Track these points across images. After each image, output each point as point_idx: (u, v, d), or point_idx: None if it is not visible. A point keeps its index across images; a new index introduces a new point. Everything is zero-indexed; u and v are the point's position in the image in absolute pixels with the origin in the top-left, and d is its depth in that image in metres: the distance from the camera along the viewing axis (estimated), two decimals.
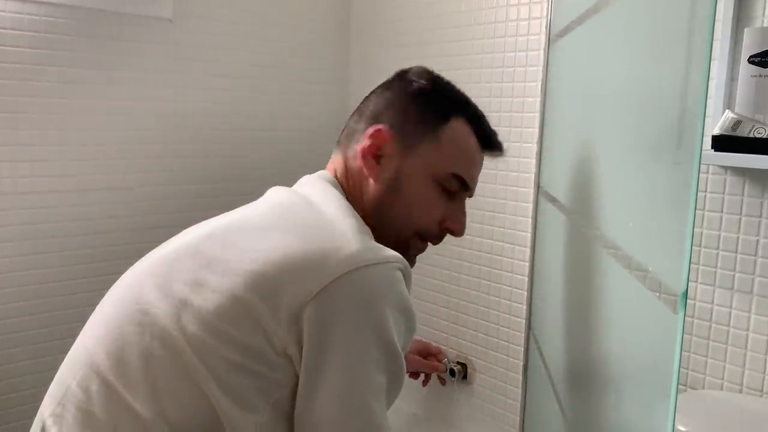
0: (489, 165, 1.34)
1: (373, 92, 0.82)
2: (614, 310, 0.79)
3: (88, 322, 0.73)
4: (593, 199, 0.88)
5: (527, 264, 1.27)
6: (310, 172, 0.81)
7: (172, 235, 0.77)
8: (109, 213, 1.33)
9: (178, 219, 1.42)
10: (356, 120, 0.80)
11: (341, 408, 0.61)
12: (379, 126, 0.76)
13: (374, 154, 0.76)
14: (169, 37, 1.36)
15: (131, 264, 0.75)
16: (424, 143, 0.77)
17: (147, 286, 0.68)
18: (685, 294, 0.47)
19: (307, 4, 1.58)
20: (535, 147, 1.24)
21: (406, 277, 0.66)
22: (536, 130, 1.24)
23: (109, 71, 1.29)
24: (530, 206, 1.26)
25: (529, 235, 1.27)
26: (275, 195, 0.77)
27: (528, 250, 1.27)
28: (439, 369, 1.23)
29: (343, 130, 0.82)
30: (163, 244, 0.76)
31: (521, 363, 1.31)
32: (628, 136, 0.77)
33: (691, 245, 0.48)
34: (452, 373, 1.45)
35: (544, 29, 1.22)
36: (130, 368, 0.63)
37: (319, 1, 1.60)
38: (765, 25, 0.94)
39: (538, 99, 1.23)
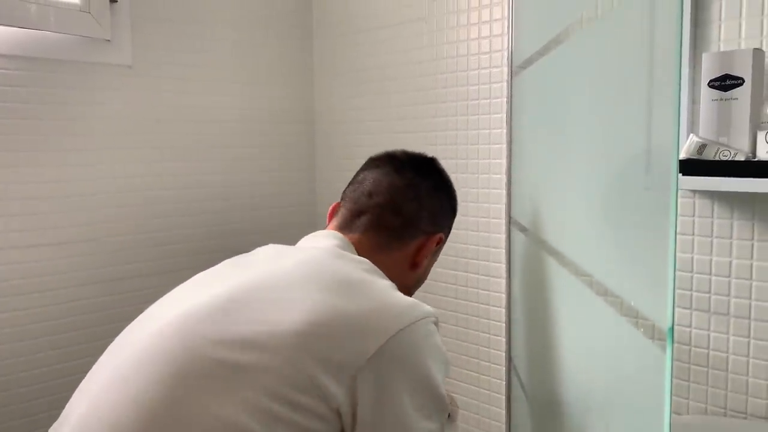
0: (459, 197, 1.34)
1: (413, 169, 0.90)
2: (594, 340, 0.78)
3: (91, 386, 0.69)
4: (565, 228, 0.88)
5: (504, 296, 1.26)
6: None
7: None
8: (58, 268, 1.29)
9: (142, 268, 1.38)
10: (412, 208, 0.87)
11: None
12: (441, 235, 0.91)
13: (426, 256, 0.90)
14: (128, 84, 1.33)
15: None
16: (444, 241, 0.94)
17: (177, 346, 0.66)
18: (672, 330, 0.46)
19: (270, 48, 1.58)
20: (504, 178, 1.24)
21: (438, 326, 0.74)
22: (504, 161, 1.24)
23: (65, 121, 1.26)
24: (503, 237, 1.26)
25: (503, 267, 1.26)
26: (302, 252, 0.79)
27: (503, 282, 1.26)
28: None
29: (383, 203, 0.87)
30: (176, 298, 0.75)
31: (503, 397, 1.29)
32: (596, 163, 0.77)
33: (674, 275, 0.47)
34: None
35: (506, 61, 1.23)
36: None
37: (279, 41, 1.60)
38: (721, 49, 0.96)
39: (505, 130, 1.23)
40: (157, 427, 0.62)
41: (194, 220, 1.46)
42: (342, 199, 0.91)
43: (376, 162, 0.92)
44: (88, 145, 1.29)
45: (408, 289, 0.89)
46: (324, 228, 0.90)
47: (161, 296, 0.79)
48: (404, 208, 0.86)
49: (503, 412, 1.29)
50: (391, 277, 0.79)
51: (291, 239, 0.89)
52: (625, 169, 0.69)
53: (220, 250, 1.37)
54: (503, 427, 1.30)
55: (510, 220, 1.20)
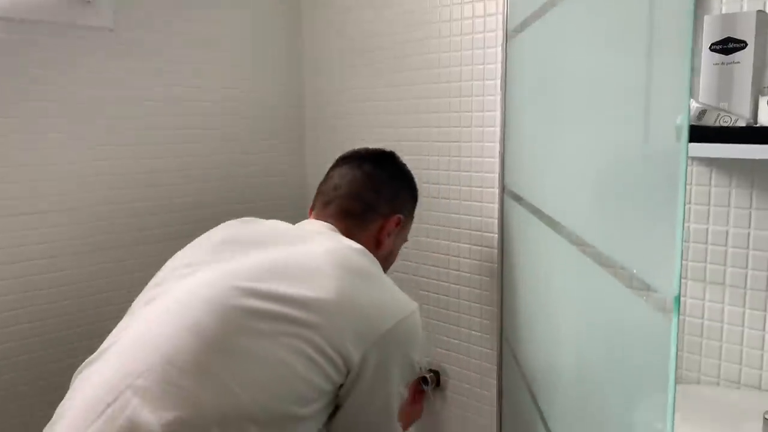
0: (452, 166, 1.32)
1: (371, 162, 1.07)
2: (595, 311, 0.76)
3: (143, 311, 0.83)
4: (563, 197, 0.86)
5: (496, 266, 1.24)
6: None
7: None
8: (51, 237, 1.25)
9: (120, 239, 1.35)
10: (370, 195, 1.04)
11: (379, 415, 0.89)
12: (399, 216, 1.07)
13: (387, 234, 1.06)
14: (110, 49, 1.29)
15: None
16: (409, 222, 1.13)
17: (223, 298, 0.79)
18: (678, 299, 0.44)
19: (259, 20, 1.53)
20: (497, 146, 1.21)
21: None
22: (498, 129, 1.21)
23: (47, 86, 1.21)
24: (496, 206, 1.23)
25: (496, 237, 1.24)
26: (326, 241, 0.92)
27: (496, 252, 1.24)
28: (415, 380, 1.33)
29: (345, 193, 1.04)
30: (203, 260, 0.88)
31: (495, 367, 1.28)
32: (595, 130, 0.74)
33: (682, 243, 0.45)
34: (425, 381, 1.41)
35: (500, 25, 1.19)
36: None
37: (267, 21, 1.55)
38: (723, 11, 0.93)
39: (499, 97, 1.20)
40: (214, 351, 0.74)
41: (177, 194, 1.42)
42: (316, 194, 1.08)
43: (342, 159, 1.10)
44: (65, 111, 1.24)
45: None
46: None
47: (146, 268, 0.86)
48: (363, 195, 1.03)
49: (495, 382, 1.29)
50: None
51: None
52: (626, 135, 0.66)
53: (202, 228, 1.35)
54: (494, 397, 1.29)
55: (504, 189, 1.17)
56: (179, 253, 0.96)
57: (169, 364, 0.73)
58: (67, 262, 1.27)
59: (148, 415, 0.70)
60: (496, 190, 1.23)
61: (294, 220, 1.06)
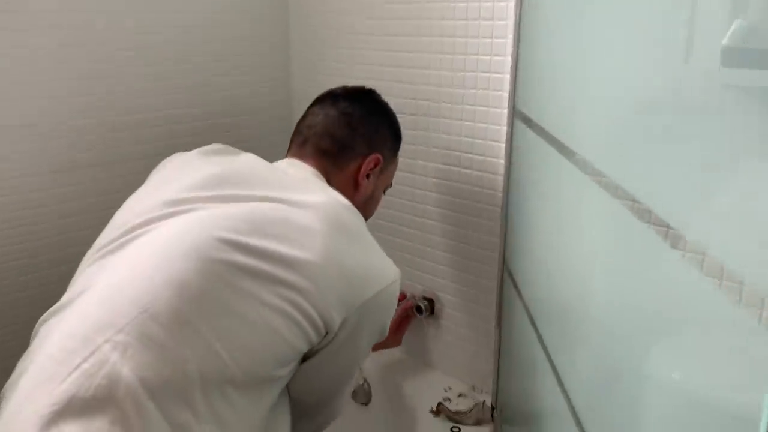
0: (455, 83, 1.19)
1: (347, 100, 1.00)
2: (610, 247, 0.68)
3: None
4: (586, 128, 0.75)
5: (501, 195, 1.15)
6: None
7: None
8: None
9: (95, 157, 1.22)
10: (345, 133, 0.97)
11: (341, 372, 0.88)
12: (378, 155, 0.99)
13: (366, 176, 0.99)
14: None
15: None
16: (390, 165, 1.05)
17: (202, 248, 0.71)
18: None
19: None
20: (509, 61, 1.08)
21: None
22: (509, 41, 1.08)
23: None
24: (503, 129, 1.13)
25: (502, 163, 1.14)
26: (306, 191, 0.84)
27: (501, 179, 1.14)
28: (407, 306, 1.34)
29: (320, 132, 0.97)
30: (178, 200, 0.79)
31: (494, 299, 1.22)
32: (630, 49, 0.62)
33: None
34: (419, 309, 1.35)
35: None
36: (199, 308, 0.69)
37: None
38: None
39: (512, 2, 1.06)
40: (197, 309, 0.68)
41: (152, 109, 1.29)
42: (292, 134, 1.01)
43: (317, 99, 1.03)
44: (28, 23, 1.08)
45: (360, 212, 0.94)
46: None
47: (114, 191, 0.79)
48: (338, 134, 0.97)
49: (493, 313, 1.23)
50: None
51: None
52: (665, 59, 0.55)
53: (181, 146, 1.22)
54: (492, 328, 1.24)
55: (514, 111, 1.06)
56: (144, 191, 0.86)
57: (150, 319, 0.66)
58: (33, 183, 1.15)
59: (129, 374, 0.63)
60: (505, 111, 1.11)
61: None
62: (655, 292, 0.56)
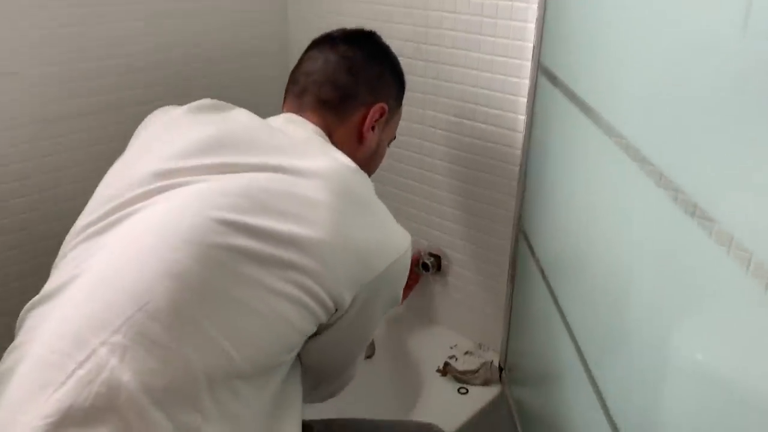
0: (473, 28, 1.10)
1: (347, 43, 0.91)
2: (648, 239, 0.63)
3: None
4: (622, 95, 0.68)
5: (519, 152, 1.09)
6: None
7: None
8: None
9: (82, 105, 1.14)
10: (347, 80, 0.88)
11: (354, 344, 0.84)
12: (383, 104, 0.91)
13: (371, 127, 0.91)
14: None
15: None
16: (395, 116, 0.97)
17: (199, 230, 0.65)
18: None
19: None
20: (533, 9, 1.00)
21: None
22: None
23: None
24: (524, 83, 1.05)
25: (522, 119, 1.07)
26: (319, 158, 0.75)
27: (521, 137, 1.08)
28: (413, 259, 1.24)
29: (320, 80, 0.88)
30: (171, 169, 0.71)
31: (505, 258, 1.18)
32: (692, 7, 0.55)
33: None
34: (425, 267, 1.31)
35: None
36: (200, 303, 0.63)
37: None
38: None
39: None
40: (199, 303, 0.62)
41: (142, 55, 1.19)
42: (288, 82, 0.92)
43: (314, 43, 0.94)
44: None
45: (364, 167, 0.87)
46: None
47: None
48: (339, 81, 0.88)
49: (505, 273, 1.19)
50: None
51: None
52: (719, 25, 0.49)
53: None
54: (503, 288, 1.20)
55: (539, 66, 0.99)
56: (128, 157, 0.78)
57: (148, 318, 0.60)
58: (19, 135, 1.07)
59: (130, 380, 0.57)
60: (527, 64, 1.04)
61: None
62: (673, 257, 0.55)
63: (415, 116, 1.23)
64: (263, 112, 0.85)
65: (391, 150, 1.28)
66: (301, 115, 0.87)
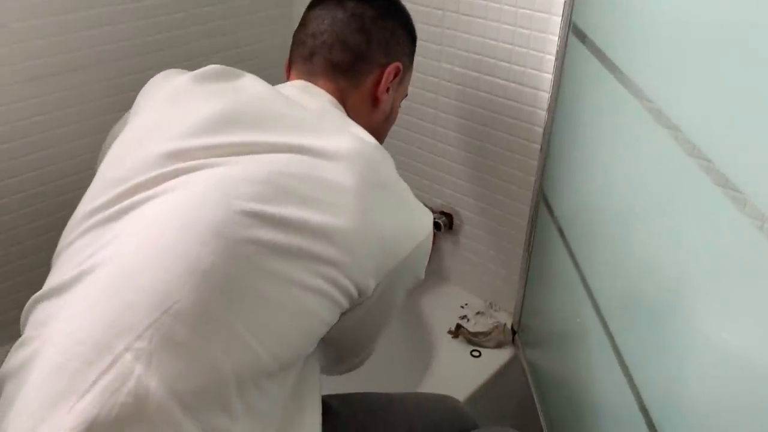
0: None
1: (353, 1, 0.83)
2: (685, 221, 0.61)
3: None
4: (661, 63, 0.63)
5: (544, 113, 1.03)
6: None
7: None
8: None
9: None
10: (358, 40, 0.82)
11: (379, 324, 0.80)
12: (398, 64, 0.84)
13: (387, 89, 0.85)
14: None
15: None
16: (408, 73, 0.90)
17: (221, 220, 0.60)
18: None
19: None
20: None
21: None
22: None
23: None
24: (551, 39, 0.98)
25: (549, 78, 1.00)
26: (342, 136, 0.70)
27: (547, 96, 1.01)
28: None
29: (329, 41, 0.81)
30: (186, 151, 0.65)
31: (523, 221, 1.14)
32: None
33: None
34: (437, 226, 1.27)
35: None
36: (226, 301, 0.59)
37: None
38: None
39: None
40: (225, 301, 0.58)
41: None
42: (292, 44, 0.85)
43: (316, 1, 0.86)
44: None
45: (378, 131, 0.87)
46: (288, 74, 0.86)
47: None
48: (350, 41, 0.82)
49: (515, 234, 1.15)
50: (360, 122, 0.77)
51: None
52: None
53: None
54: (520, 250, 1.17)
55: (570, 24, 0.91)
56: (135, 130, 0.71)
57: (174, 320, 0.56)
58: (5, 95, 0.99)
59: (158, 387, 0.54)
60: (555, 19, 0.96)
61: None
62: (699, 226, 0.55)
63: (429, 68, 1.16)
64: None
65: (404, 103, 1.22)
66: (313, 82, 0.81)
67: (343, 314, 0.71)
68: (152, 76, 0.78)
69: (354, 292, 0.66)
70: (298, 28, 0.85)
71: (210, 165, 0.63)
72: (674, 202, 0.62)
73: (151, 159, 0.65)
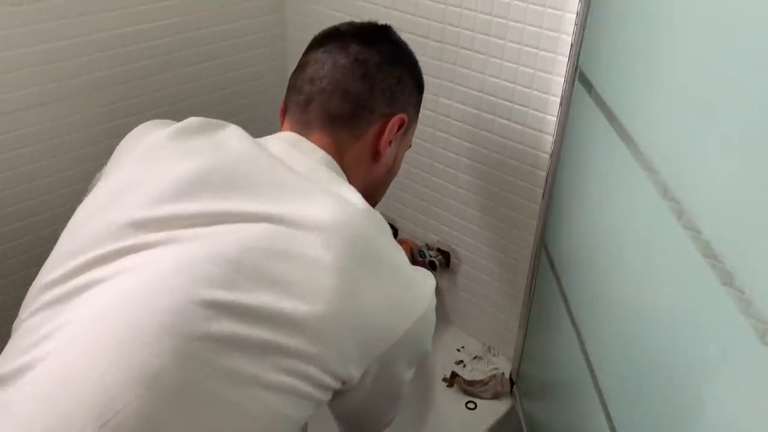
0: (496, 11, 0.95)
1: (360, 42, 0.76)
2: (675, 299, 0.57)
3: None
4: (667, 122, 0.56)
5: (547, 156, 0.96)
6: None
7: None
8: None
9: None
10: (361, 89, 0.75)
11: (385, 401, 0.74)
12: (403, 115, 0.78)
13: (390, 142, 0.79)
14: None
15: None
16: (414, 123, 0.85)
17: (175, 310, 0.53)
18: None
19: None
20: None
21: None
22: None
23: None
24: (556, 80, 0.92)
25: (553, 120, 0.94)
26: (326, 197, 0.63)
27: (551, 139, 0.95)
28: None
29: (328, 89, 0.75)
30: (145, 222, 0.59)
31: (524, 265, 1.08)
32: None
33: None
34: (432, 265, 1.21)
35: None
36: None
37: None
38: None
39: None
40: (178, 413, 0.51)
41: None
42: (288, 88, 0.78)
43: (318, 41, 0.79)
44: None
45: (378, 186, 0.83)
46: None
47: None
48: (352, 89, 0.75)
49: (524, 282, 1.09)
50: (359, 177, 0.75)
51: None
52: None
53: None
54: (516, 294, 1.10)
55: (577, 69, 0.85)
56: (106, 191, 0.65)
57: None
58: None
59: None
60: (561, 59, 0.90)
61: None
62: (697, 315, 0.52)
63: (427, 103, 1.10)
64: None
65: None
66: (306, 136, 0.74)
67: (334, 399, 0.66)
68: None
69: (332, 383, 0.59)
70: (295, 70, 0.79)
71: (174, 240, 0.57)
72: (674, 287, 0.57)
73: (112, 229, 0.59)
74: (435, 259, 1.20)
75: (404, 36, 0.84)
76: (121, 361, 0.51)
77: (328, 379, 0.59)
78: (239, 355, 0.53)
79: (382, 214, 1.18)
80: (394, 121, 0.78)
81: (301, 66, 0.78)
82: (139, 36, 1.05)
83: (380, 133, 0.77)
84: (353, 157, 0.76)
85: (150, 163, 0.65)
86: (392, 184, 1.22)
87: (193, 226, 0.58)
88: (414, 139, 1.14)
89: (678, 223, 0.54)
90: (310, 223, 0.59)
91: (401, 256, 0.67)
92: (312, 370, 0.57)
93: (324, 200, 0.62)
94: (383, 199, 1.23)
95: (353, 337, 0.60)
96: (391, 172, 0.85)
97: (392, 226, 1.27)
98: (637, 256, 0.65)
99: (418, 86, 0.84)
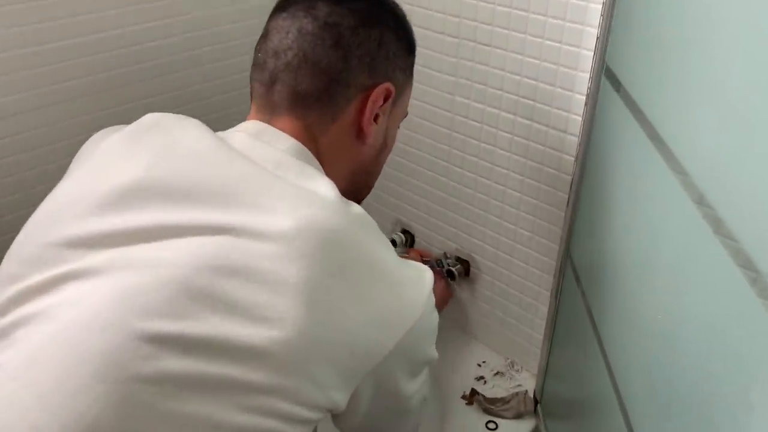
0: (517, 3, 0.89)
1: (328, 3, 0.64)
2: (700, 304, 0.53)
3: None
4: (698, 128, 0.49)
5: (572, 159, 0.89)
6: None
7: None
8: None
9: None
10: (334, 58, 0.63)
11: (394, 417, 0.67)
12: (388, 84, 0.67)
13: (376, 118, 0.67)
14: None
15: None
16: (406, 89, 0.72)
17: (117, 348, 0.47)
18: None
19: None
20: None
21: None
22: None
23: None
24: (581, 76, 0.85)
25: (578, 120, 0.87)
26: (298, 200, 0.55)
27: (576, 141, 0.88)
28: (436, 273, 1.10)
29: (294, 62, 0.63)
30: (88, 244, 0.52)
31: (549, 277, 1.00)
32: None
33: None
34: (451, 275, 1.14)
35: None
36: None
37: None
38: None
39: None
40: None
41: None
42: (252, 65, 0.66)
43: (281, 4, 0.66)
44: None
45: (369, 169, 0.72)
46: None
47: None
48: (322, 61, 0.63)
49: (547, 295, 1.02)
50: (342, 163, 0.66)
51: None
52: None
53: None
54: (544, 312, 1.03)
55: (603, 65, 0.77)
56: (52, 203, 0.59)
57: None
58: None
59: None
60: (586, 53, 0.83)
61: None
62: (729, 326, 0.48)
63: (442, 102, 1.03)
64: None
65: (414, 136, 1.09)
66: (273, 122, 0.64)
67: (336, 421, 0.60)
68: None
69: (310, 414, 0.52)
70: (259, 40, 0.67)
71: (114, 264, 0.50)
72: (705, 292, 0.51)
73: (49, 251, 0.53)
74: (453, 268, 1.13)
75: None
76: (52, 416, 0.45)
77: (304, 412, 0.52)
78: (193, 395, 0.46)
79: (397, 219, 1.10)
80: (378, 92, 0.66)
81: (264, 36, 0.66)
82: (135, 37, 1.01)
83: (362, 110, 0.66)
84: (330, 142, 0.65)
85: (97, 171, 0.58)
86: (406, 188, 1.17)
87: (137, 242, 0.51)
88: (429, 140, 1.08)
89: (714, 232, 0.48)
90: (273, 232, 0.51)
91: (386, 255, 0.58)
92: (282, 405, 0.50)
93: (291, 200, 0.54)
94: (396, 203, 1.18)
95: (330, 360, 0.52)
96: (384, 151, 0.73)
97: (408, 233, 1.21)
98: (668, 267, 0.60)
99: (407, 46, 0.70)
